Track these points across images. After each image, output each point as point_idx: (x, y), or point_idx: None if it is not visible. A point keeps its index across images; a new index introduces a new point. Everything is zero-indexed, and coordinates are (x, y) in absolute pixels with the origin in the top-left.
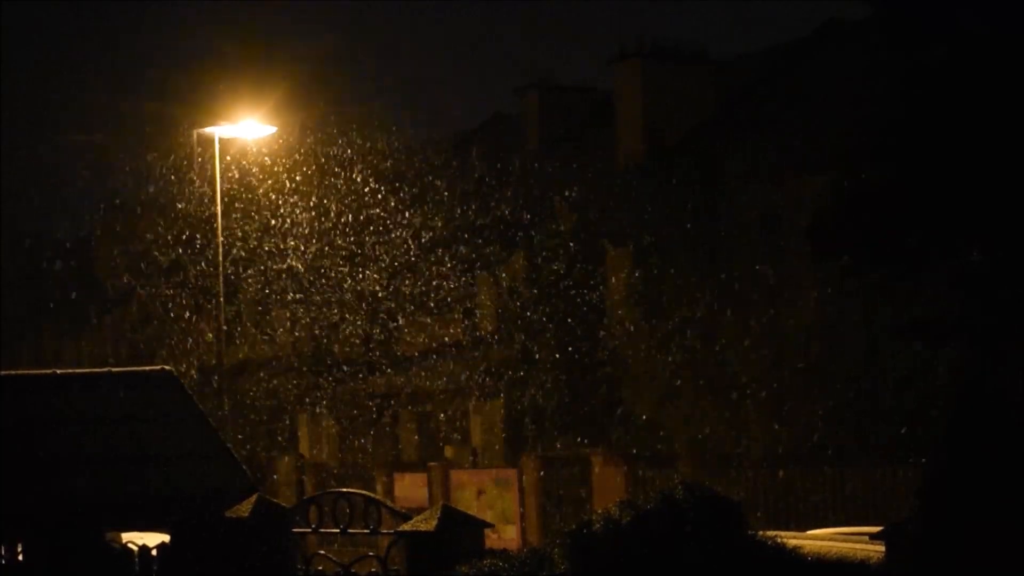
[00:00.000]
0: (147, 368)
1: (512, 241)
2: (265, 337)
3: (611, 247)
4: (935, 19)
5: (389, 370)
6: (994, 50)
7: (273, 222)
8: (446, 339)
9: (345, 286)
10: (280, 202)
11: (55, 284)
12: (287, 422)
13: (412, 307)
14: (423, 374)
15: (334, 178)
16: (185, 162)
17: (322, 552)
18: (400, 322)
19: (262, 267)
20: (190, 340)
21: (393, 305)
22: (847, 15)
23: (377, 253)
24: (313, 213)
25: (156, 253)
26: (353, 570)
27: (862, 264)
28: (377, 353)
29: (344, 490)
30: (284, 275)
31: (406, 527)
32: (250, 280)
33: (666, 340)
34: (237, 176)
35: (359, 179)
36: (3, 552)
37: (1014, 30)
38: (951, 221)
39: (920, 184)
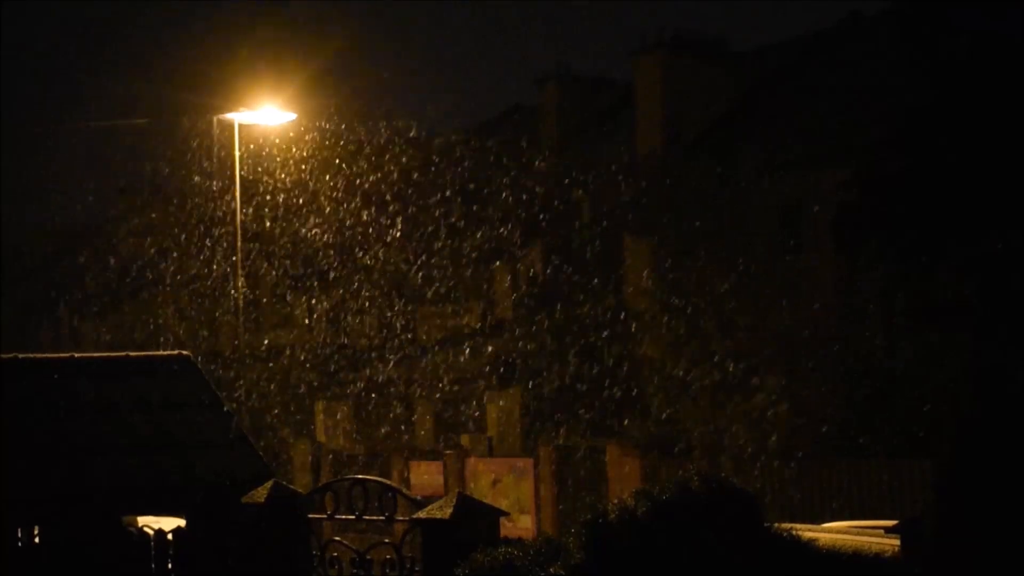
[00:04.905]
0: (165, 353)
1: (530, 231)
2: (283, 323)
3: (630, 238)
4: (948, 17)
5: (406, 358)
6: (1009, 44)
7: (292, 208)
8: (463, 328)
9: (363, 273)
10: (299, 188)
11: (74, 268)
12: (304, 408)
13: (430, 295)
14: (440, 362)
15: (353, 166)
16: (205, 148)
17: (337, 539)
18: (418, 310)
19: (280, 253)
20: (208, 326)
21: (411, 293)
22: (867, 8)
23: (396, 241)
24: (332, 200)
25: (174, 238)
26: (368, 557)
27: (886, 253)
28: (395, 341)
29: (360, 477)
30: (302, 262)
31: (421, 515)
32: (268, 266)
33: (684, 331)
34: (257, 162)
35: (378, 167)
36: (20, 535)
37: (1015, 30)
38: (970, 209)
39: (941, 172)
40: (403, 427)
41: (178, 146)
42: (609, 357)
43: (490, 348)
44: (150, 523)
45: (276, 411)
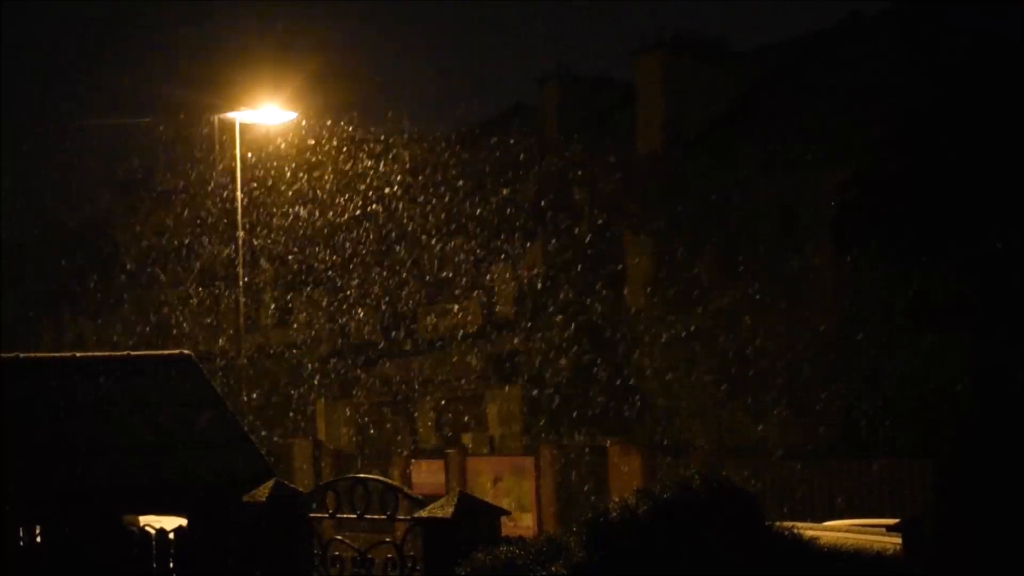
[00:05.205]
0: (166, 352)
1: (531, 230)
2: (284, 322)
3: (630, 236)
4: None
5: (408, 356)
6: (1009, 44)
7: (293, 207)
8: (464, 327)
9: (364, 272)
10: (300, 187)
11: (75, 267)
12: (305, 407)
13: (431, 294)
14: (441, 361)
15: (354, 165)
16: (205, 147)
17: (339, 537)
18: (419, 309)
19: (282, 252)
20: (210, 324)
21: (412, 292)
22: (867, 8)
23: (396, 240)
24: (332, 199)
25: (176, 237)
26: (369, 556)
27: (885, 253)
28: (396, 340)
29: (361, 476)
30: (303, 261)
31: (423, 514)
32: (270, 265)
33: (684, 330)
34: (257, 161)
35: (379, 166)
36: (22, 535)
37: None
38: (970, 209)
39: (941, 172)
40: (404, 426)
41: (179, 145)
42: (610, 355)
43: (491, 347)
44: (152, 522)
45: (277, 410)
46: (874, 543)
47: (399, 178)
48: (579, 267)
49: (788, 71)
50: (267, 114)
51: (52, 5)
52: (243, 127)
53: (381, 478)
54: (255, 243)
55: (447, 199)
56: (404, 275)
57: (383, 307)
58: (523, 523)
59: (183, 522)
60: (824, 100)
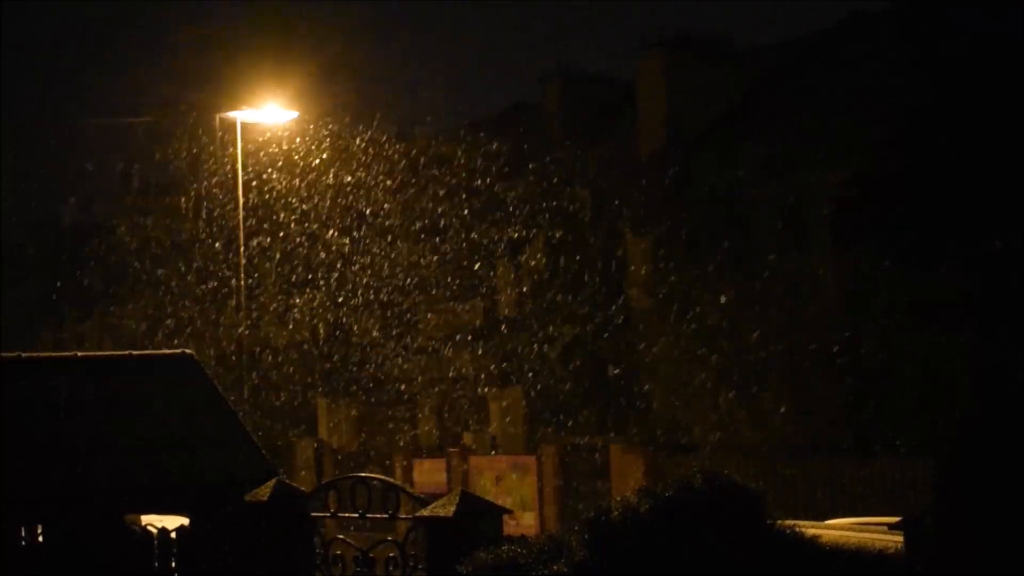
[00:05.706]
0: (168, 352)
1: (533, 229)
2: (285, 321)
3: (631, 236)
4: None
5: (409, 356)
6: (1009, 44)
7: (294, 206)
8: (467, 325)
9: (365, 271)
10: (301, 186)
11: (75, 267)
12: (306, 407)
13: (432, 293)
14: (443, 360)
15: (355, 164)
16: (208, 146)
17: (340, 537)
18: (420, 308)
19: (283, 251)
20: (211, 324)
21: (413, 290)
22: (867, 8)
23: (397, 238)
24: (333, 198)
25: (176, 237)
26: (371, 555)
27: (886, 253)
28: (397, 339)
29: (363, 475)
30: (304, 259)
31: (425, 513)
32: (270, 264)
33: (685, 329)
34: (258, 160)
35: (380, 165)
36: (22, 535)
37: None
38: (970, 209)
39: (941, 172)
40: (406, 425)
41: (180, 144)
42: (611, 354)
43: (493, 346)
44: (154, 522)
45: (279, 409)
46: (875, 542)
47: (400, 177)
48: (580, 266)
49: (788, 71)
50: (269, 113)
51: (52, 5)
52: (244, 126)
53: (383, 477)
54: (256, 241)
55: (449, 198)
56: (406, 274)
57: (385, 306)
58: (525, 522)
59: (185, 521)
60: (824, 100)
